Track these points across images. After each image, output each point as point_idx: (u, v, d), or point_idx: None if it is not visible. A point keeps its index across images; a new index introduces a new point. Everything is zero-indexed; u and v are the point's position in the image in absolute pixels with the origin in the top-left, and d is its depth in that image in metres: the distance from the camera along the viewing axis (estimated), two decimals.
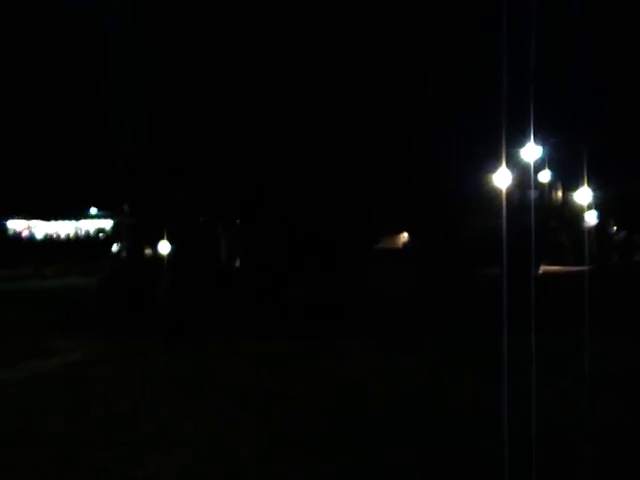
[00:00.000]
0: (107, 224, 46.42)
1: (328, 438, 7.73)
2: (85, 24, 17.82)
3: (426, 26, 19.20)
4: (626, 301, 19.39)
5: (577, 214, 30.59)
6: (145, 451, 7.42)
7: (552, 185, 31.27)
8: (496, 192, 21.35)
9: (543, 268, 26.88)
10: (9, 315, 18.68)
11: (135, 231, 20.19)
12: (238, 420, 8.55)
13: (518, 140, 21.46)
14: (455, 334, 14.20)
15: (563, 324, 13.22)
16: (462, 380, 10.32)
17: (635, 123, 26.96)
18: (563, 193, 32.32)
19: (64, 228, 52.57)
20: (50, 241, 49.88)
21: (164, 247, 18.15)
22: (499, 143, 13.15)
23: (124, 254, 20.31)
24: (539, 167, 28.07)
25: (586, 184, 26.91)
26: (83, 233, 51.48)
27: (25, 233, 52.52)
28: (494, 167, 21.89)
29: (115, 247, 22.35)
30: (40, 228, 52.54)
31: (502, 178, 20.28)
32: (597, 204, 30.18)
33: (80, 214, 50.83)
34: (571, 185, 31.07)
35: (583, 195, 29.01)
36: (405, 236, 27.24)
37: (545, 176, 29.84)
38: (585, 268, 21.71)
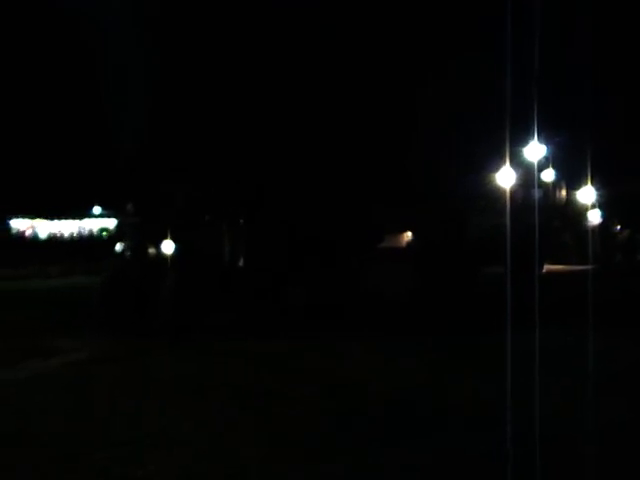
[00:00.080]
0: (110, 223, 46.44)
1: (328, 438, 7.73)
2: (85, 24, 17.83)
3: (426, 26, 19.18)
4: (630, 299, 19.36)
5: (581, 213, 30.59)
6: (145, 451, 7.42)
7: (556, 184, 31.24)
8: (499, 191, 21.37)
9: (547, 267, 26.87)
10: (13, 314, 18.70)
11: (139, 230, 20.22)
12: (238, 420, 8.55)
13: (521, 139, 21.46)
14: (455, 334, 14.18)
15: (567, 322, 13.23)
16: (462, 380, 10.30)
17: (639, 122, 26.93)
18: (567, 192, 32.28)
19: (67, 227, 52.61)
20: (54, 240, 49.91)
21: (168, 246, 18.15)
22: (500, 142, 13.14)
23: (128, 253, 20.33)
24: (543, 166, 28.04)
25: (590, 183, 26.93)
26: (87, 232, 51.51)
27: (29, 232, 52.56)
28: (496, 166, 21.88)
29: (119, 246, 22.39)
30: (43, 227, 52.59)
31: (506, 177, 20.28)
32: (601, 203, 30.19)
33: (83, 213, 50.89)
34: (575, 184, 31.05)
35: (587, 194, 29.00)
36: (409, 235, 27.20)
37: (549, 175, 29.81)
38: (589, 267, 21.72)
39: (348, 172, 19.19)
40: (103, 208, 48.79)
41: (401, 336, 14.15)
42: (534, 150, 22.97)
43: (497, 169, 22.32)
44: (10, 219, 51.04)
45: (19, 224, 52.41)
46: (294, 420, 8.46)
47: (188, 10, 17.82)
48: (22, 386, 10.77)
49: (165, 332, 15.16)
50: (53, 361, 12.78)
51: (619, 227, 34.35)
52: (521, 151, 23.21)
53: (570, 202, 32.21)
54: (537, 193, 24.24)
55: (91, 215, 51.22)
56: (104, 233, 48.22)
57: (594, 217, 30.21)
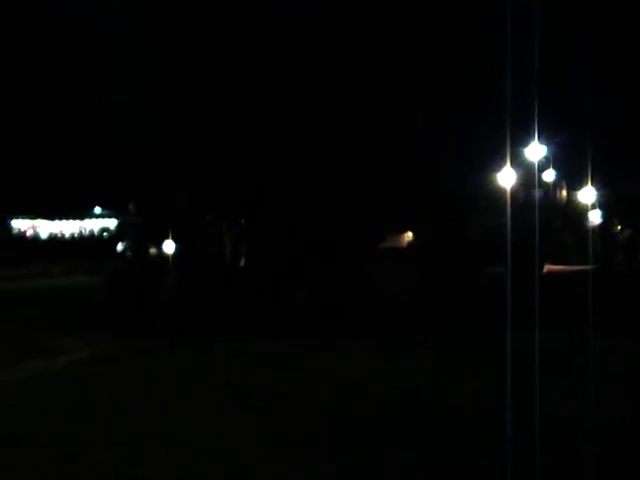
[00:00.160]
0: (111, 223, 46.44)
1: (328, 438, 7.73)
2: (85, 24, 17.84)
3: (427, 26, 19.18)
4: (630, 299, 19.34)
5: (581, 213, 30.55)
6: (145, 451, 7.42)
7: (556, 184, 31.19)
8: (500, 191, 21.35)
9: (547, 267, 26.83)
10: (15, 314, 18.73)
11: (140, 230, 20.22)
12: (238, 420, 8.56)
13: (522, 139, 21.44)
14: (456, 334, 14.18)
15: (567, 322, 13.20)
16: (462, 380, 10.30)
17: (639, 122, 26.91)
18: (567, 192, 32.23)
19: (69, 227, 52.61)
20: (55, 240, 49.92)
21: (169, 246, 18.15)
22: (501, 143, 13.14)
23: (129, 253, 20.33)
24: (543, 166, 28.01)
25: (590, 183, 26.89)
26: (88, 232, 51.50)
27: (30, 232, 52.57)
28: (497, 166, 21.87)
29: (120, 246, 22.38)
30: (45, 227, 52.60)
31: (506, 177, 20.27)
32: (601, 203, 30.15)
33: (85, 213, 50.88)
34: (575, 184, 31.01)
35: (587, 194, 28.97)
36: (410, 235, 27.17)
37: (549, 175, 29.79)
38: (589, 267, 21.69)
39: (348, 172, 19.19)
40: (104, 208, 48.78)
41: (401, 336, 14.14)
42: (535, 150, 22.94)
43: (498, 169, 22.32)
44: (11, 219, 51.05)
45: (20, 224, 52.43)
46: (294, 420, 8.46)
47: (188, 10, 17.82)
48: (22, 386, 10.77)
49: (166, 332, 15.17)
50: (54, 361, 12.79)
51: (619, 227, 34.30)
52: (522, 151, 23.17)
53: (571, 202, 32.16)
54: (538, 193, 24.22)
55: (92, 215, 51.20)
56: (105, 233, 48.21)
57: (595, 217, 30.19)
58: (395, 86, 19.34)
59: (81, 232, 51.88)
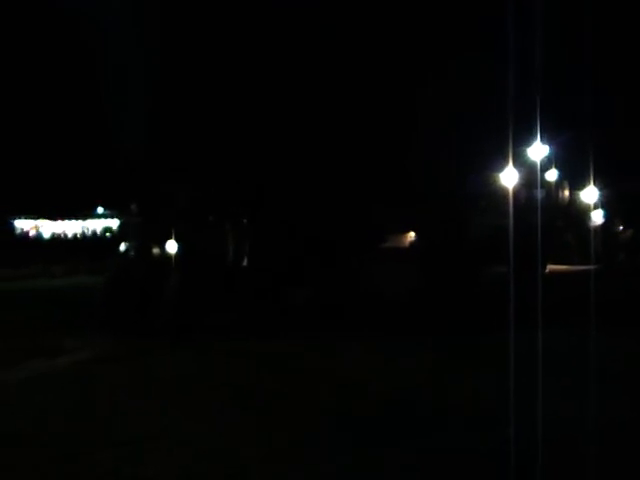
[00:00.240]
0: (114, 223, 46.48)
1: (328, 438, 7.72)
2: (85, 24, 17.85)
3: (428, 26, 19.18)
4: (632, 299, 19.32)
5: (583, 213, 30.51)
6: (145, 451, 7.43)
7: (559, 184, 31.17)
8: (502, 191, 21.35)
9: (549, 267, 26.79)
10: (17, 314, 18.76)
11: (142, 230, 20.23)
12: (238, 420, 8.56)
13: (524, 139, 21.44)
14: (456, 334, 14.15)
15: (570, 322, 13.21)
16: (462, 380, 10.28)
17: None
18: (570, 192, 32.19)
19: (71, 227, 52.68)
20: (57, 240, 49.99)
21: (172, 246, 18.16)
22: (502, 142, 13.16)
23: (132, 253, 20.34)
24: (546, 166, 27.99)
25: (592, 183, 26.87)
26: (90, 232, 51.57)
27: (32, 232, 52.66)
28: (498, 166, 21.86)
29: (123, 246, 22.39)
30: (47, 227, 52.67)
31: (509, 177, 20.27)
32: (603, 203, 30.11)
33: (87, 213, 50.94)
34: (578, 184, 30.98)
35: (590, 194, 28.94)
36: (412, 235, 27.15)
37: (552, 175, 29.77)
38: (591, 267, 21.67)
39: (348, 172, 19.19)
40: (106, 208, 48.84)
41: (401, 336, 14.12)
42: (537, 150, 22.93)
43: (499, 169, 22.31)
44: (14, 219, 51.14)
45: (23, 224, 52.51)
46: (294, 420, 8.46)
47: (188, 10, 17.83)
48: (23, 386, 10.78)
49: (167, 332, 15.19)
50: (55, 361, 12.80)
51: (622, 227, 34.26)
52: (524, 151, 23.17)
53: (573, 202, 32.12)
54: (540, 193, 24.22)
55: (94, 215, 51.28)
56: (107, 233, 48.27)
57: (597, 217, 30.15)
58: (395, 86, 19.33)
59: (83, 232, 51.95)
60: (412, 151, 19.86)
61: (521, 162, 22.79)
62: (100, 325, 15.93)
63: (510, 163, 19.17)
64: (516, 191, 21.45)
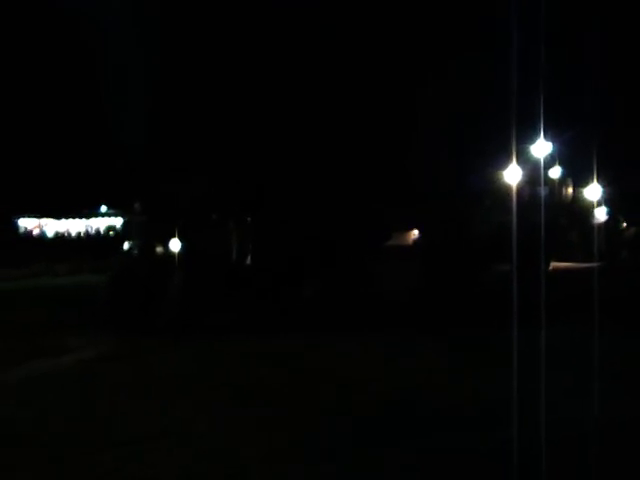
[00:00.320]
0: (118, 222, 46.62)
1: (328, 438, 7.72)
2: (85, 24, 17.86)
3: (431, 26, 19.16)
4: (635, 296, 19.30)
5: (587, 210, 30.50)
6: (145, 451, 7.43)
7: (562, 181, 31.17)
8: (506, 189, 21.31)
9: (553, 265, 26.77)
10: (21, 313, 18.81)
11: (146, 229, 20.26)
12: (238, 420, 8.55)
13: (528, 137, 21.43)
14: (456, 333, 14.14)
15: (573, 319, 13.19)
16: (462, 380, 10.27)
17: None
18: (573, 190, 32.18)
19: (75, 226, 52.81)
20: (61, 239, 50.12)
21: (175, 245, 18.17)
22: (505, 140, 13.12)
23: (135, 252, 20.37)
24: (549, 164, 27.98)
25: (596, 180, 26.84)
26: (94, 231, 51.69)
27: (36, 231, 52.80)
28: (501, 164, 21.83)
29: (126, 245, 22.44)
30: (51, 226, 52.81)
31: (512, 175, 20.24)
32: (607, 200, 30.08)
33: (90, 212, 51.07)
34: (581, 181, 30.98)
35: (593, 191, 28.91)
36: (415, 233, 27.14)
37: (555, 172, 29.77)
38: (595, 264, 21.65)
39: (347, 172, 19.18)
40: (110, 207, 48.98)
41: (401, 336, 14.10)
42: (540, 148, 22.90)
43: (502, 167, 22.27)
44: (18, 218, 51.29)
45: (27, 223, 52.66)
46: (294, 420, 8.46)
47: (188, 10, 17.83)
48: (26, 385, 10.83)
49: (170, 330, 15.21)
50: (59, 360, 12.84)
51: (625, 224, 34.23)
52: (528, 149, 23.14)
53: (576, 199, 32.11)
54: (543, 190, 24.18)
55: (98, 214, 51.41)
56: (111, 232, 48.38)
57: (600, 215, 30.13)
58: (396, 86, 19.32)
59: (87, 231, 52.08)
60: (412, 151, 19.85)
61: (525, 160, 22.76)
62: (103, 323, 15.98)
63: (514, 161, 19.13)
64: (520, 189, 21.43)
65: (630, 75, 24.40)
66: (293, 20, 17.73)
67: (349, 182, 19.36)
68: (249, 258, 20.53)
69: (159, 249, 18.98)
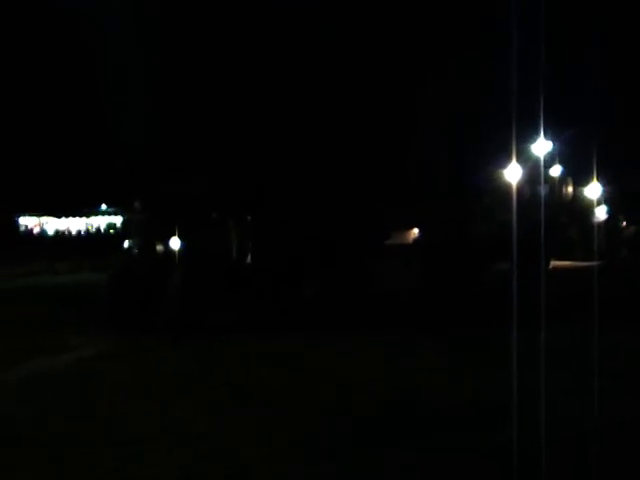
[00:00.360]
0: (118, 220, 46.60)
1: (328, 438, 7.72)
2: (85, 24, 17.87)
3: (428, 25, 19.16)
4: (635, 295, 19.31)
5: (587, 209, 30.49)
6: (145, 451, 7.43)
7: (562, 180, 31.16)
8: (506, 187, 21.31)
9: (553, 263, 26.77)
10: (21, 311, 18.82)
11: (146, 227, 20.26)
12: (239, 420, 8.55)
13: (528, 135, 21.41)
14: (456, 333, 14.13)
15: (573, 318, 13.19)
16: (462, 380, 10.27)
17: None
18: (573, 188, 32.18)
19: (75, 224, 52.81)
20: (61, 237, 50.13)
21: (175, 243, 18.17)
22: (505, 139, 13.11)
23: (135, 250, 20.37)
24: (549, 162, 27.97)
25: (596, 179, 26.84)
26: (94, 229, 51.70)
27: (37, 230, 52.81)
28: (501, 163, 21.83)
29: (126, 243, 22.44)
30: (51, 224, 52.81)
31: (512, 173, 20.24)
32: (607, 199, 30.09)
33: (91, 210, 51.05)
34: (581, 180, 30.97)
35: (593, 190, 28.91)
36: (416, 232, 27.10)
37: (555, 171, 29.78)
38: (595, 263, 21.66)
39: (347, 172, 19.18)
40: (110, 205, 48.97)
41: (401, 336, 14.08)
42: (541, 146, 22.89)
43: (502, 166, 22.26)
44: (18, 217, 51.30)
45: (27, 221, 52.67)
46: (294, 420, 8.46)
47: (188, 10, 17.82)
48: (25, 384, 10.82)
49: (169, 329, 15.22)
50: (58, 358, 12.85)
51: (625, 223, 34.25)
52: (528, 147, 23.13)
53: (576, 198, 32.10)
54: (543, 189, 24.18)
55: (98, 212, 51.39)
56: (111, 230, 48.38)
57: (600, 213, 30.14)
58: (396, 86, 19.31)
59: (87, 229, 52.08)
60: (412, 151, 19.85)
61: (525, 158, 22.75)
62: (103, 322, 16.00)
63: (514, 159, 19.12)
64: (520, 187, 21.43)
65: (630, 75, 24.40)
66: (293, 20, 17.72)
67: (349, 182, 19.36)
68: (249, 257, 20.53)
69: (159, 247, 18.99)
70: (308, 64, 18.00)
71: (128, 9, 17.13)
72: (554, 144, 26.06)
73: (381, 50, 18.72)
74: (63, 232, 52.05)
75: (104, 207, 50.39)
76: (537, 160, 23.25)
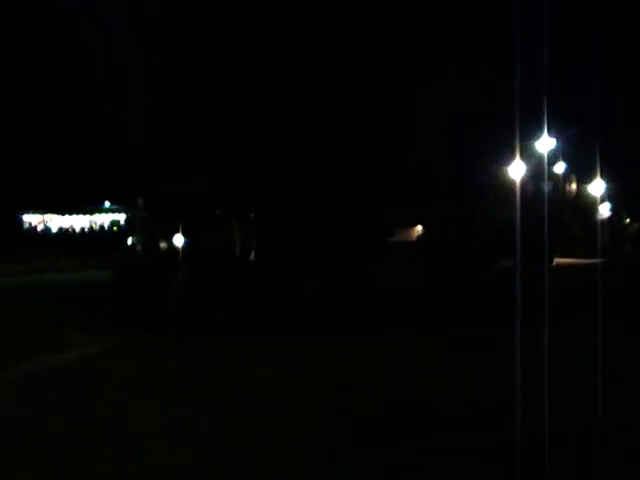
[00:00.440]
0: (121, 217, 46.67)
1: (328, 438, 7.72)
2: (85, 24, 17.87)
3: (429, 25, 19.14)
4: (638, 292, 19.31)
5: (591, 206, 30.49)
6: (145, 451, 7.43)
7: (566, 177, 31.16)
8: (510, 184, 21.30)
9: (556, 260, 26.77)
10: (25, 309, 18.87)
11: (149, 224, 20.28)
12: (239, 420, 8.55)
13: (532, 133, 21.41)
14: (456, 333, 14.13)
15: (576, 315, 13.18)
16: (462, 380, 10.26)
17: None
18: (577, 185, 32.17)
19: (79, 222, 52.87)
20: (65, 235, 50.18)
21: (179, 240, 18.19)
22: (511, 136, 13.10)
23: (139, 247, 20.40)
24: (553, 159, 27.97)
25: (600, 176, 26.82)
26: (98, 226, 51.76)
27: (40, 227, 52.87)
28: (506, 160, 21.81)
29: (130, 240, 22.47)
30: (55, 222, 52.86)
31: (516, 170, 20.23)
32: (611, 196, 30.10)
33: (94, 208, 51.09)
34: (585, 177, 30.96)
35: (597, 187, 28.90)
36: (419, 229, 27.10)
37: (559, 168, 29.78)
38: (598, 260, 21.66)
39: (347, 172, 19.18)
40: (113, 202, 49.01)
41: (401, 336, 14.07)
42: (544, 143, 22.88)
43: (508, 162, 22.25)
44: (22, 214, 51.35)
45: (31, 219, 52.73)
46: (294, 420, 8.46)
47: (188, 10, 17.81)
48: (29, 381, 10.88)
49: (172, 326, 15.24)
50: (62, 355, 12.89)
51: (628, 220, 34.27)
52: (532, 144, 23.12)
53: (580, 195, 32.10)
54: (547, 186, 24.19)
55: (102, 209, 51.43)
56: (115, 227, 48.43)
57: (604, 210, 30.15)
58: (396, 86, 19.29)
59: (91, 226, 52.14)
60: (412, 151, 19.84)
61: (529, 155, 22.74)
62: (107, 319, 16.03)
63: (518, 156, 19.12)
64: (524, 184, 21.42)
65: (635, 74, 24.36)
66: (293, 20, 17.70)
67: (349, 182, 19.36)
68: (253, 254, 20.53)
69: (163, 244, 19.00)
70: (308, 65, 17.99)
71: (128, 9, 17.13)
72: (558, 142, 26.04)
73: (381, 50, 18.69)
74: (67, 229, 52.11)
75: (108, 204, 50.43)
76: (541, 157, 23.25)
